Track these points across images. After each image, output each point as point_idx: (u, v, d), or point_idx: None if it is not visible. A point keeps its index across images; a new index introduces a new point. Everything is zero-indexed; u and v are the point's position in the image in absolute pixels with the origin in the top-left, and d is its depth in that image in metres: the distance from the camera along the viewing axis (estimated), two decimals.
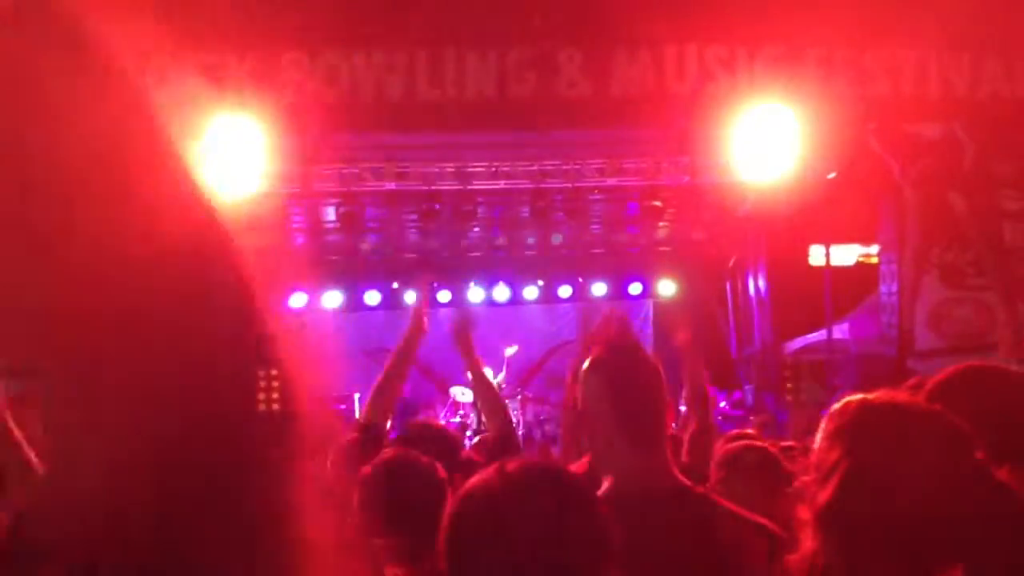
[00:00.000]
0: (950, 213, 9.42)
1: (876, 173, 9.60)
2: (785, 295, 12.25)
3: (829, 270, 10.54)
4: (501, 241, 14.33)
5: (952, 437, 1.26)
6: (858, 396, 1.41)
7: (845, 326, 11.38)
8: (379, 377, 2.81)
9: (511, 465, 1.36)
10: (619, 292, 14.65)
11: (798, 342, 12.50)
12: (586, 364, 2.07)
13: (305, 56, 8.24)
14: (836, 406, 1.40)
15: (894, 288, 9.86)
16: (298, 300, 14.83)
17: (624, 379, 1.99)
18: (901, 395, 1.44)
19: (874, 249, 11.28)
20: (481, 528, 1.28)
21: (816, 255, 11.89)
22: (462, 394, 11.96)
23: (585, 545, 1.26)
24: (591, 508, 1.31)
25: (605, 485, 1.93)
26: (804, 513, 1.33)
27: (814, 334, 11.68)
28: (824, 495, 1.26)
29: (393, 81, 8.31)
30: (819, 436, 1.35)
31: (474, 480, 1.35)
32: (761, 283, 13.06)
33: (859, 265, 12.26)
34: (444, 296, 14.89)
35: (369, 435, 2.65)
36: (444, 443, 2.75)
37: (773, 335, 13.11)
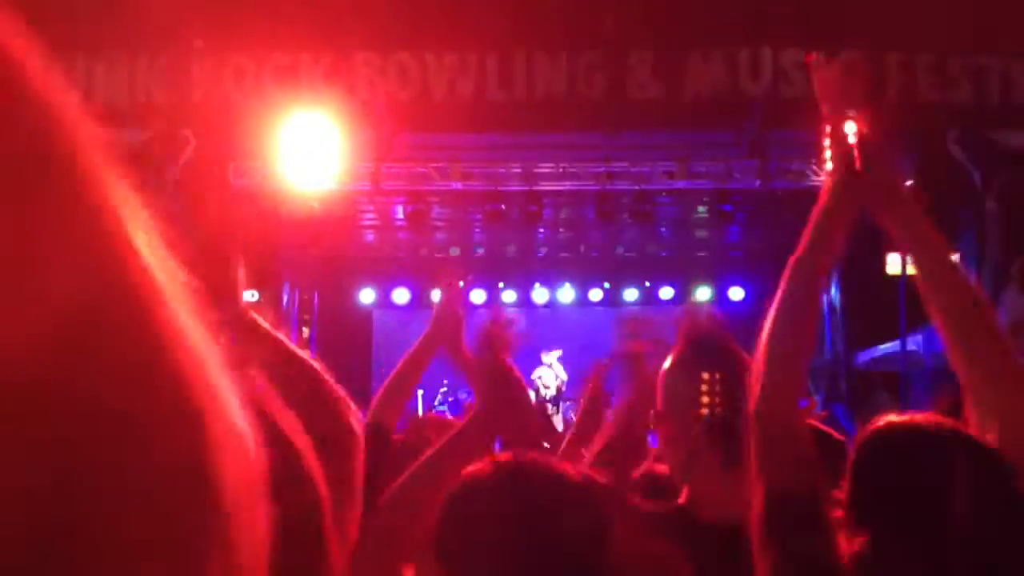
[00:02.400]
0: None
1: (957, 181, 9.31)
2: (859, 304, 11.97)
3: (905, 279, 10.25)
4: (567, 243, 14.32)
5: (980, 459, 1.22)
6: (886, 419, 1.38)
7: (920, 338, 11.05)
8: (391, 375, 2.58)
9: (505, 457, 1.34)
10: (686, 296, 14.49)
11: (871, 352, 12.19)
12: (669, 362, 1.82)
13: (378, 56, 8.36)
14: (863, 432, 1.36)
15: None
16: (367, 296, 15.07)
17: (716, 382, 1.72)
18: (932, 417, 1.40)
19: (954, 258, 10.93)
20: (473, 520, 1.27)
21: (893, 263, 11.57)
22: None
23: (579, 542, 1.24)
24: (587, 505, 1.29)
25: (682, 505, 1.74)
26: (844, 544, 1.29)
27: (888, 344, 11.38)
28: (859, 540, 1.25)
29: (464, 82, 8.37)
30: (850, 462, 1.32)
31: (467, 471, 1.34)
32: (834, 291, 12.78)
33: None
34: (510, 296, 14.92)
35: (374, 436, 2.46)
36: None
37: (845, 344, 12.82)
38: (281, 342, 1.82)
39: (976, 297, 1.58)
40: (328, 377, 1.83)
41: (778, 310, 1.52)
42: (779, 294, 1.54)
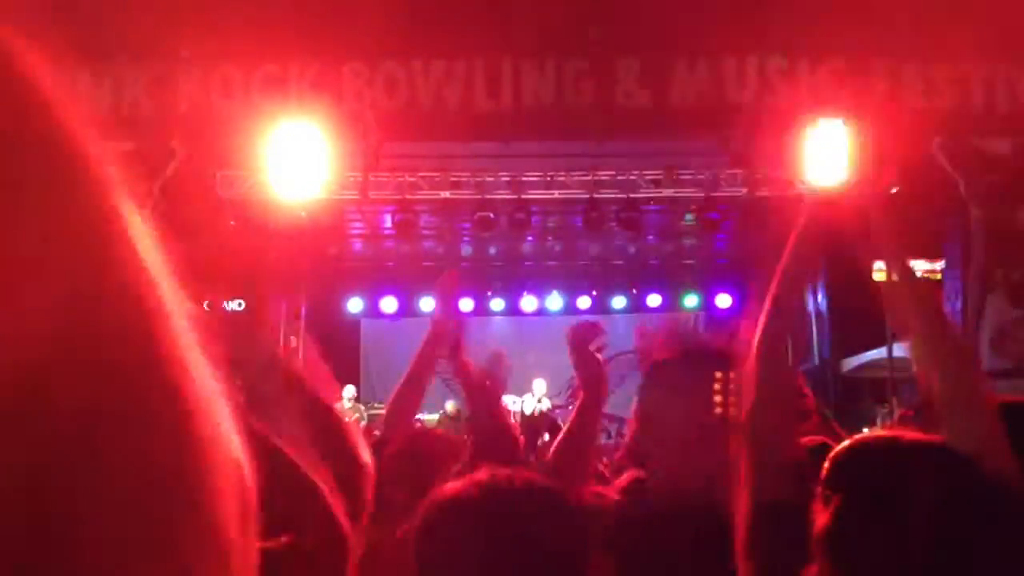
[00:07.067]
0: (1017, 231, 9.15)
1: (942, 188, 9.37)
2: (846, 310, 12.02)
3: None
4: (555, 251, 14.33)
5: (949, 465, 1.24)
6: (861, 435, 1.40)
7: (907, 344, 11.09)
8: (396, 390, 2.60)
9: (484, 475, 1.35)
10: (674, 304, 14.53)
11: (857, 359, 12.24)
12: (653, 369, 1.84)
13: (365, 66, 8.35)
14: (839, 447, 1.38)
15: (957, 307, 9.60)
16: (355, 305, 15.03)
17: (692, 391, 1.74)
18: (902, 431, 1.42)
19: (940, 265, 10.99)
20: (452, 537, 1.27)
21: (880, 270, 11.60)
22: (512, 403, 11.94)
23: (557, 557, 1.24)
24: (565, 518, 1.30)
25: (661, 509, 1.75)
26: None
27: (874, 351, 11.43)
28: (822, 519, 1.26)
29: (451, 91, 8.37)
30: (823, 470, 1.34)
31: (447, 488, 1.35)
32: (820, 297, 12.83)
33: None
34: (498, 305, 14.92)
35: (381, 452, 2.34)
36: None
37: (832, 351, 12.87)
38: (305, 383, 1.83)
39: (942, 312, 1.68)
40: (342, 416, 1.87)
41: (767, 321, 1.54)
42: (767, 305, 1.55)
